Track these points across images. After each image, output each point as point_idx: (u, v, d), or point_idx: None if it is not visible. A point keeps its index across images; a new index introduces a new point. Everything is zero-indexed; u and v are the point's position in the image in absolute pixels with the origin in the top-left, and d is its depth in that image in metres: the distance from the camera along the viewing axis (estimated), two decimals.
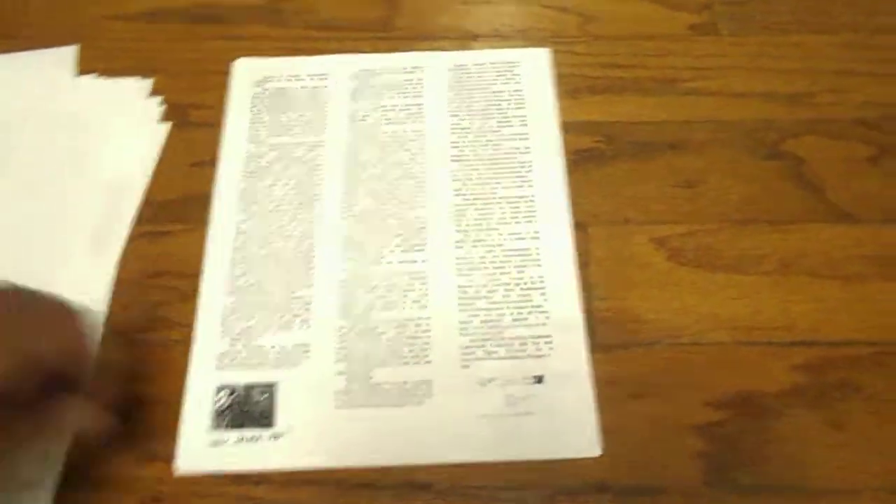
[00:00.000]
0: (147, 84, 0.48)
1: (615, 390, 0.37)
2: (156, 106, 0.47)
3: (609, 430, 0.36)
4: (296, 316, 0.40)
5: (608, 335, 0.38)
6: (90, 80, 0.48)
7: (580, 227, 0.41)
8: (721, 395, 0.36)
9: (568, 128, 0.45)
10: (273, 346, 0.39)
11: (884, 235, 0.41)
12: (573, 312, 0.39)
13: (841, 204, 0.42)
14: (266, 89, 0.48)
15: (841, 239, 0.41)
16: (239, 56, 0.49)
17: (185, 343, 0.38)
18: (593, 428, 0.36)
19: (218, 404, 0.37)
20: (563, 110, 0.46)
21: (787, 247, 0.41)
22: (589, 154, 0.44)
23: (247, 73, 0.48)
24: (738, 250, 0.41)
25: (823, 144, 0.44)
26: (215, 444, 0.36)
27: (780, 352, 0.37)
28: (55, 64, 0.48)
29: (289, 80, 0.48)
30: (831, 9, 0.50)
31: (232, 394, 0.37)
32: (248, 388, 0.37)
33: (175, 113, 0.47)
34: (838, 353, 0.37)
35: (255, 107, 0.47)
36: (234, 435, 0.36)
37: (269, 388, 0.37)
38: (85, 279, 0.40)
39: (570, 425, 0.36)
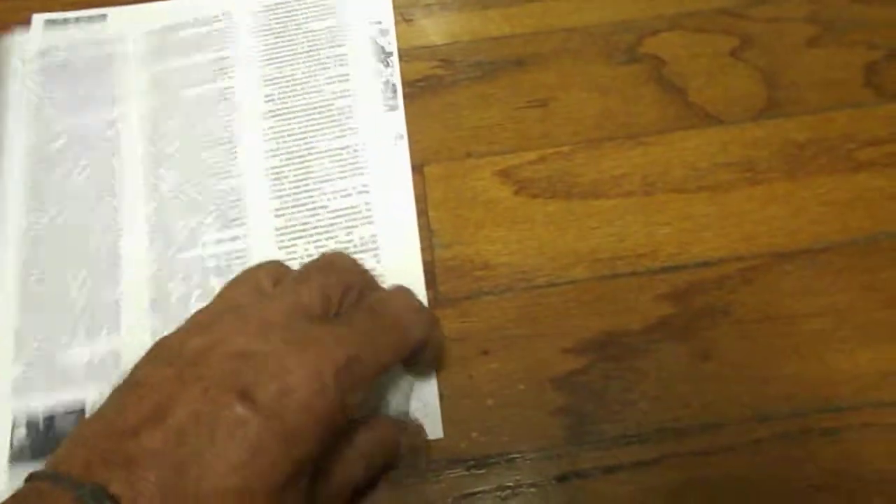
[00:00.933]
0: None
1: (464, 349, 0.32)
2: None
3: (459, 395, 0.32)
4: (103, 322, 0.34)
5: (454, 287, 0.34)
6: None
7: (416, 169, 0.36)
8: (581, 340, 0.32)
9: (402, 56, 0.40)
10: (79, 361, 0.33)
11: (749, 134, 0.36)
12: (413, 269, 0.34)
13: (705, 105, 0.37)
14: (54, 60, 0.41)
15: (706, 146, 0.36)
16: (16, 22, 0.41)
17: None
18: (435, 408, 0.31)
19: (16, 437, 0.32)
20: (397, 37, 0.40)
21: (649, 162, 0.36)
22: (425, 84, 0.39)
23: (28, 41, 0.41)
24: (596, 172, 0.36)
25: (685, 40, 0.39)
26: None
27: (645, 282, 0.33)
28: None
29: (80, 47, 0.41)
30: None
31: (32, 422, 0.32)
32: (52, 413, 0.32)
33: None
34: (706, 275, 0.33)
35: (41, 82, 0.40)
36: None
37: (77, 409, 0.32)
38: None
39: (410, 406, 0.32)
